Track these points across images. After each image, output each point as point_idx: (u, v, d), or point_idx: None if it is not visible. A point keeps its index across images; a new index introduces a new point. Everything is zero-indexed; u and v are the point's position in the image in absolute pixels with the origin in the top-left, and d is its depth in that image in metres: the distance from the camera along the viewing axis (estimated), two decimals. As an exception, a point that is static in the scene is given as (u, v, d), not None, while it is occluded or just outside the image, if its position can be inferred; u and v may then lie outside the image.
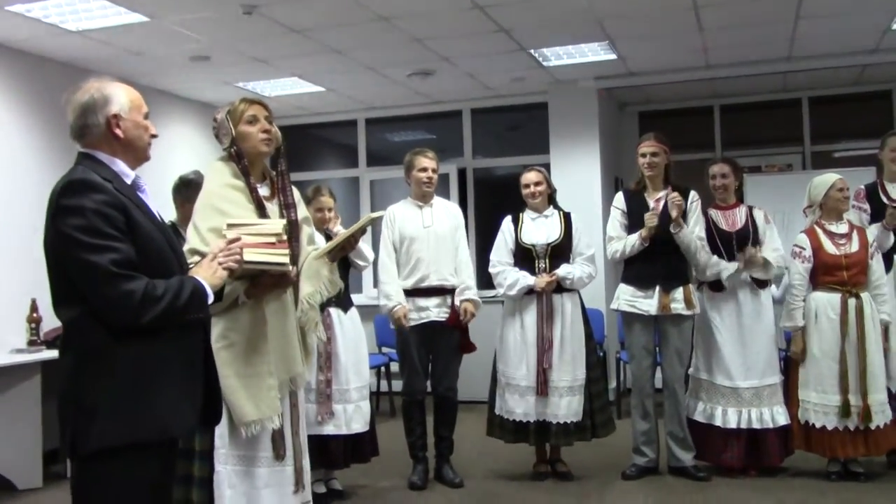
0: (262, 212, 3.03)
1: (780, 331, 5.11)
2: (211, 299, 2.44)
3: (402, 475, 5.08)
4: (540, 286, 4.85)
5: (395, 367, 6.20)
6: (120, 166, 2.41)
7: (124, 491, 2.29)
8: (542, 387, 4.84)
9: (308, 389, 4.31)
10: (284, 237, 2.82)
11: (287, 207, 3.14)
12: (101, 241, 2.21)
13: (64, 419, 2.27)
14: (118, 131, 2.40)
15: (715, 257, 4.89)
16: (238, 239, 2.61)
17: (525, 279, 4.89)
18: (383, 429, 6.74)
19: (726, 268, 4.86)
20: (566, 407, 4.84)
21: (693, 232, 4.87)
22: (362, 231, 3.25)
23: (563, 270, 4.89)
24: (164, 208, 4.38)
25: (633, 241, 4.89)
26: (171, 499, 2.51)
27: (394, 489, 4.97)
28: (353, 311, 4.81)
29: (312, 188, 4.85)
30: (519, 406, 4.90)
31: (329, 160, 9.43)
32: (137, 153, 2.48)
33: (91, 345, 2.25)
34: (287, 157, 3.25)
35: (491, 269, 5.06)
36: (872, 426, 4.59)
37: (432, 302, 4.95)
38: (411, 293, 4.97)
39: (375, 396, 7.61)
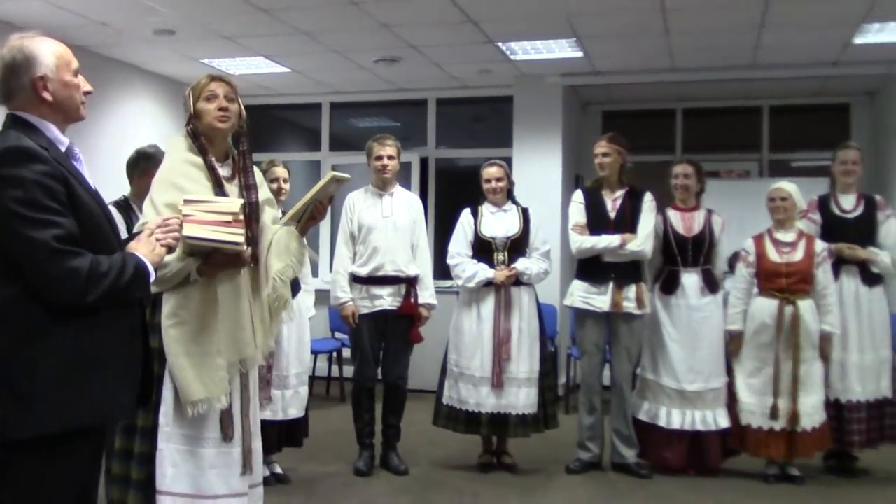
0: (220, 190, 2.98)
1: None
2: (152, 277, 2.36)
3: (348, 461, 5.09)
4: (499, 280, 4.88)
5: (346, 352, 6.20)
6: (53, 132, 2.28)
7: (54, 479, 2.19)
8: (498, 378, 4.87)
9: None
10: (241, 217, 2.79)
11: (248, 188, 3.09)
12: (43, 214, 2.10)
13: None
14: (46, 94, 2.25)
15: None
16: (178, 216, 2.58)
17: (484, 272, 4.91)
18: (332, 414, 6.79)
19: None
20: (525, 398, 4.89)
21: (644, 229, 4.92)
22: (328, 195, 3.13)
23: (521, 265, 4.92)
24: (123, 182, 4.37)
25: (614, 243, 4.90)
26: (97, 484, 2.46)
27: (338, 474, 4.98)
28: (299, 296, 4.59)
29: (267, 161, 4.81)
30: (472, 396, 4.93)
31: (291, 142, 9.36)
32: (69, 114, 2.33)
33: (27, 326, 2.13)
34: (250, 137, 3.20)
35: (449, 261, 5.08)
36: (799, 429, 4.70)
37: (386, 291, 4.95)
38: (366, 281, 4.98)
39: (326, 382, 7.65)
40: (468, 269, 4.96)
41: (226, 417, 2.98)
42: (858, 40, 6.27)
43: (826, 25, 5.98)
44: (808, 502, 4.54)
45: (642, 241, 4.90)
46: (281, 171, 4.80)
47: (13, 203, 2.09)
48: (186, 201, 2.74)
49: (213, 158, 3.04)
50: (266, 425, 4.31)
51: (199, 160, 3.02)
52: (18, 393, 2.11)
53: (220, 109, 3.03)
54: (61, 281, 2.12)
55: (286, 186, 4.81)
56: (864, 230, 4.94)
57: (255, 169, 3.22)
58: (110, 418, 2.35)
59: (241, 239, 2.79)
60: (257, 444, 3.15)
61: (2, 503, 2.17)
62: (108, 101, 6.98)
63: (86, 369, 2.19)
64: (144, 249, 2.37)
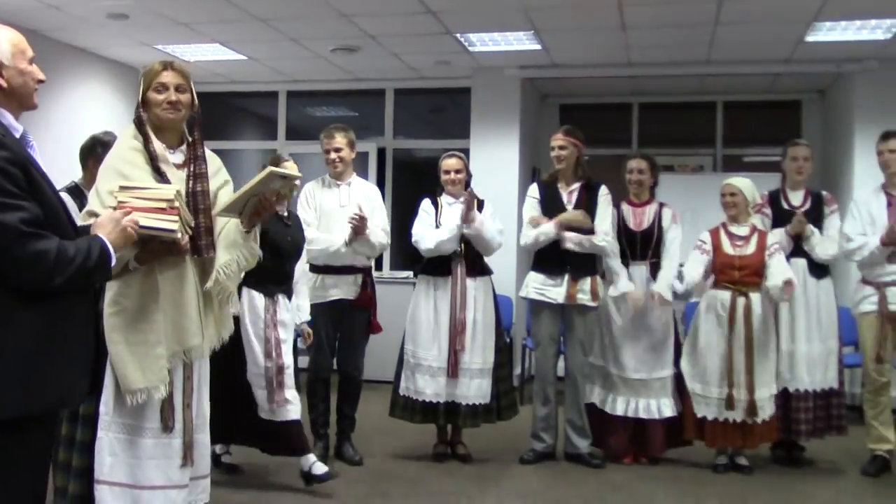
0: (160, 177, 2.96)
1: (681, 324, 5.27)
2: (114, 261, 2.36)
3: (303, 451, 5.07)
4: (472, 219, 4.85)
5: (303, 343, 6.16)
6: (8, 119, 2.28)
7: (12, 463, 2.18)
8: (453, 368, 4.89)
9: (256, 374, 4.28)
10: (176, 204, 2.75)
11: (196, 177, 3.06)
12: (9, 199, 2.09)
13: None
14: (1, 82, 2.26)
15: (616, 267, 5.02)
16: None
17: (451, 221, 4.90)
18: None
19: (619, 282, 5.00)
20: (476, 389, 4.92)
21: (603, 224, 4.96)
22: (273, 191, 3.11)
23: (478, 217, 4.91)
24: (74, 167, 4.30)
25: (549, 231, 4.95)
26: (48, 470, 2.43)
27: (293, 465, 4.94)
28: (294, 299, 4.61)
29: (272, 157, 4.74)
30: (429, 387, 4.94)
31: (247, 131, 9.28)
32: (23, 101, 2.34)
33: None
34: (201, 126, 3.16)
35: (415, 239, 5.04)
36: (759, 420, 4.79)
37: (342, 280, 4.94)
38: (322, 270, 4.96)
39: (281, 372, 7.59)
40: (435, 232, 4.95)
41: (167, 407, 2.95)
42: (810, 38, 6.39)
43: (779, 23, 6.08)
44: (756, 492, 4.62)
45: (604, 234, 4.94)
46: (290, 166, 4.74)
47: None
48: (122, 188, 2.74)
49: (158, 146, 3.00)
50: (292, 425, 4.34)
51: (143, 147, 2.99)
52: None
53: (169, 103, 3.00)
54: (29, 264, 2.12)
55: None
56: (811, 224, 5.03)
57: (213, 157, 3.19)
58: (70, 402, 2.34)
59: (176, 226, 2.75)
60: (202, 437, 3.13)
61: None
62: (60, 86, 6.85)
63: (48, 353, 2.19)
64: (110, 232, 2.38)
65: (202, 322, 3.03)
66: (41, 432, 2.27)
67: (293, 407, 4.34)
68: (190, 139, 3.12)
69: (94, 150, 4.23)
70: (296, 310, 4.60)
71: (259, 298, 4.31)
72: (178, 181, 2.96)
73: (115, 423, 2.90)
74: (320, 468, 4.38)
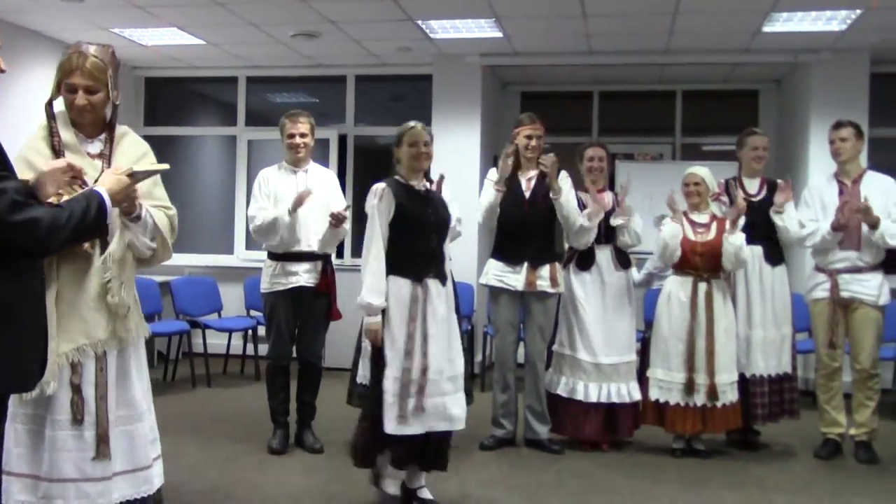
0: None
1: (641, 312, 5.32)
2: (111, 216, 2.46)
3: (262, 440, 5.05)
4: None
5: (262, 330, 6.14)
6: None
7: None
8: (411, 356, 4.88)
9: (393, 379, 3.74)
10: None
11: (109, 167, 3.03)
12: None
13: None
14: None
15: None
16: None
17: None
18: (247, 392, 6.72)
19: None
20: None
21: (573, 204, 5.00)
22: (140, 177, 2.88)
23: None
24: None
25: (490, 196, 5.01)
26: None
27: (253, 453, 4.93)
28: (450, 285, 4.02)
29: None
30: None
31: (206, 116, 9.16)
32: None
33: None
34: (111, 126, 3.10)
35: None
36: (719, 404, 4.86)
37: (302, 267, 4.92)
38: (281, 258, 4.92)
39: (241, 360, 7.56)
40: None
41: (76, 400, 2.91)
42: (767, 29, 6.46)
43: (736, 14, 6.14)
44: (712, 475, 4.70)
45: (578, 214, 4.99)
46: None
47: None
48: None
49: (67, 137, 2.98)
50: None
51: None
52: None
53: (78, 106, 2.96)
54: (24, 230, 2.16)
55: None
56: (766, 213, 5.11)
57: (139, 143, 3.17)
58: (22, 387, 2.34)
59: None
60: (134, 428, 3.09)
61: None
62: (14, 70, 6.69)
63: (10, 332, 2.19)
64: (111, 181, 2.51)
65: (109, 314, 2.99)
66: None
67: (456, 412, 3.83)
68: (109, 127, 3.08)
69: None
70: None
71: (405, 285, 3.80)
72: (93, 170, 2.91)
73: (19, 415, 2.87)
74: (427, 494, 4.06)
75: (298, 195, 4.77)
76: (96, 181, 2.65)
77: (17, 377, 2.25)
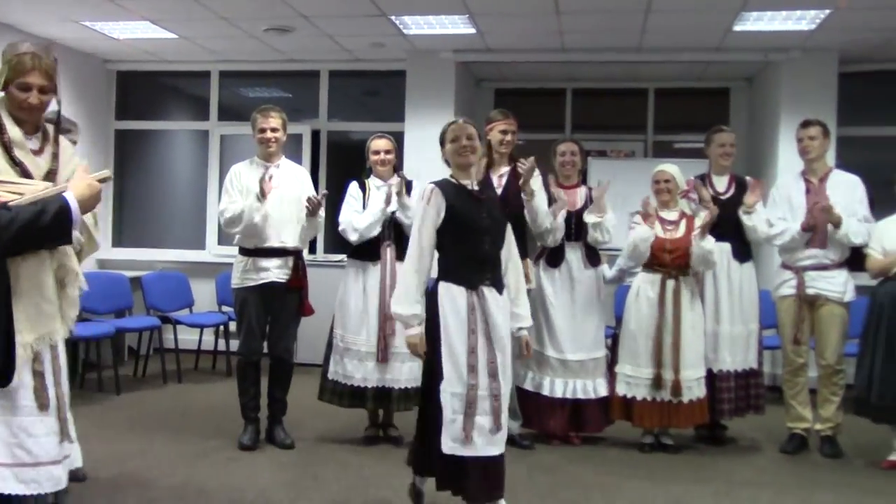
0: (17, 166, 2.91)
1: (612, 308, 5.35)
2: (76, 220, 2.40)
3: (233, 435, 5.04)
4: (404, 204, 4.87)
5: (234, 326, 6.12)
6: None
7: None
8: (383, 353, 4.90)
9: (452, 394, 3.46)
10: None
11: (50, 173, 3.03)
12: None
13: None
14: None
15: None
16: None
17: (375, 206, 4.91)
18: (218, 388, 6.70)
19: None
20: (408, 372, 4.93)
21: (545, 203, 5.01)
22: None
23: (411, 202, 4.91)
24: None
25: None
26: None
27: (223, 449, 4.92)
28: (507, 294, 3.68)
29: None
30: (358, 371, 4.95)
31: (178, 111, 9.10)
32: None
33: None
34: (58, 123, 3.10)
35: (342, 227, 5.03)
36: (685, 400, 4.91)
37: (273, 263, 4.90)
38: (252, 253, 4.91)
39: (212, 356, 7.54)
40: (363, 214, 4.95)
41: (40, 386, 2.93)
42: (738, 28, 6.52)
43: (708, 12, 6.19)
44: (680, 469, 4.75)
45: (547, 216, 4.99)
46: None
47: None
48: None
49: (15, 134, 2.94)
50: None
51: None
52: None
53: (30, 104, 2.94)
54: None
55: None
56: (734, 210, 5.16)
57: (67, 146, 3.15)
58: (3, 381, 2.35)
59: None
60: (68, 414, 3.13)
61: None
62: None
63: None
64: (82, 188, 2.49)
65: (61, 305, 3.02)
66: None
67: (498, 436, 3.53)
68: (47, 127, 3.08)
69: None
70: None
71: (460, 294, 3.51)
72: (35, 167, 2.92)
73: None
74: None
75: (261, 184, 4.77)
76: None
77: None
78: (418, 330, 3.52)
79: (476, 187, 3.64)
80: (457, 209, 3.54)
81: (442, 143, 3.71)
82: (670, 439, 5.12)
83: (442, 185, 3.62)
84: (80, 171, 2.64)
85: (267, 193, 4.80)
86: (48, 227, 2.28)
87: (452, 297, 3.49)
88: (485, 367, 3.46)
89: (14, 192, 2.66)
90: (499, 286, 3.58)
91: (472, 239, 3.55)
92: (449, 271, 3.55)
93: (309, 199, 4.84)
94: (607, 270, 5.49)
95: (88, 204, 2.44)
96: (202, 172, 8.54)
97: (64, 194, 2.36)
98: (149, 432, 5.24)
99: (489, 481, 3.50)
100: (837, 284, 4.97)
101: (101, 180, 2.88)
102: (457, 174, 3.65)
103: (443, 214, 3.54)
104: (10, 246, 2.20)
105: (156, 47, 7.73)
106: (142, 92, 8.72)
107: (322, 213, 5.01)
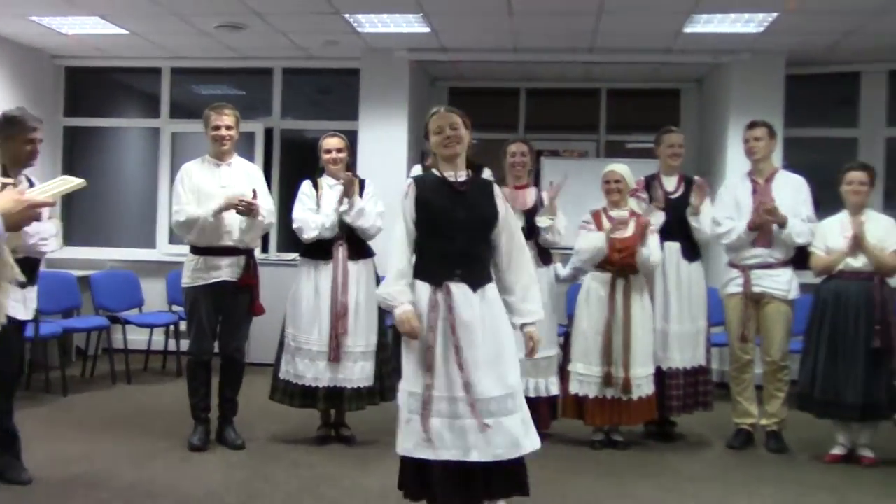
0: None
1: (564, 307, 5.39)
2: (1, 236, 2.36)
3: (183, 437, 4.98)
4: (352, 204, 4.86)
5: (184, 326, 6.06)
6: None
7: None
8: (335, 352, 4.89)
9: (408, 394, 3.37)
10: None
11: None
12: None
13: None
14: None
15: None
16: None
17: (330, 208, 4.90)
18: (168, 388, 6.63)
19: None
20: (360, 372, 4.93)
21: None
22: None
23: (360, 203, 4.92)
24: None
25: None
26: None
27: (173, 450, 4.87)
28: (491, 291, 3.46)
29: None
30: (309, 371, 4.93)
31: (129, 108, 8.98)
32: None
33: None
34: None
35: (296, 226, 5.01)
36: (635, 397, 4.96)
37: (224, 262, 4.86)
38: (204, 252, 4.87)
39: (162, 356, 7.45)
40: (316, 216, 4.94)
41: None
42: (688, 30, 6.62)
43: (659, 14, 6.28)
44: (629, 466, 4.81)
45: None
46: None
47: None
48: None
49: None
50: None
51: None
52: None
53: None
54: None
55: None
56: (683, 210, 5.24)
57: None
58: None
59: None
60: None
61: None
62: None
63: None
64: (6, 202, 2.41)
65: None
66: None
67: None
68: None
69: (3, 129, 4.09)
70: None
71: (423, 290, 3.37)
72: None
73: None
74: None
75: (227, 201, 4.74)
76: None
77: None
78: (405, 307, 3.32)
79: (461, 179, 3.43)
80: (428, 203, 3.39)
81: (426, 134, 3.54)
82: (620, 436, 5.18)
83: (420, 178, 3.54)
84: (7, 192, 2.56)
85: (225, 210, 4.77)
86: None
87: (419, 294, 3.36)
88: (442, 366, 3.29)
89: None
90: (476, 282, 3.35)
91: (443, 233, 3.37)
92: (419, 268, 3.41)
93: (240, 202, 4.77)
94: (561, 269, 5.54)
95: (13, 220, 2.38)
96: (153, 170, 8.44)
97: None
98: (97, 434, 5.17)
99: (460, 489, 3.29)
100: (782, 283, 5.07)
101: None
102: (442, 166, 3.47)
103: (415, 208, 3.40)
104: None
105: (106, 43, 7.61)
106: (92, 88, 8.57)
107: (268, 212, 4.96)
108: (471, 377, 3.27)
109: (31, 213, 2.52)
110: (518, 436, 3.32)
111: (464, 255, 3.36)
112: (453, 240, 3.35)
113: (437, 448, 3.27)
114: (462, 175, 3.45)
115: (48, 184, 2.96)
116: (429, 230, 3.39)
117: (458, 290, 3.32)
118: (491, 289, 3.40)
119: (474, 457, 3.25)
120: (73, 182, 2.98)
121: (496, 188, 3.52)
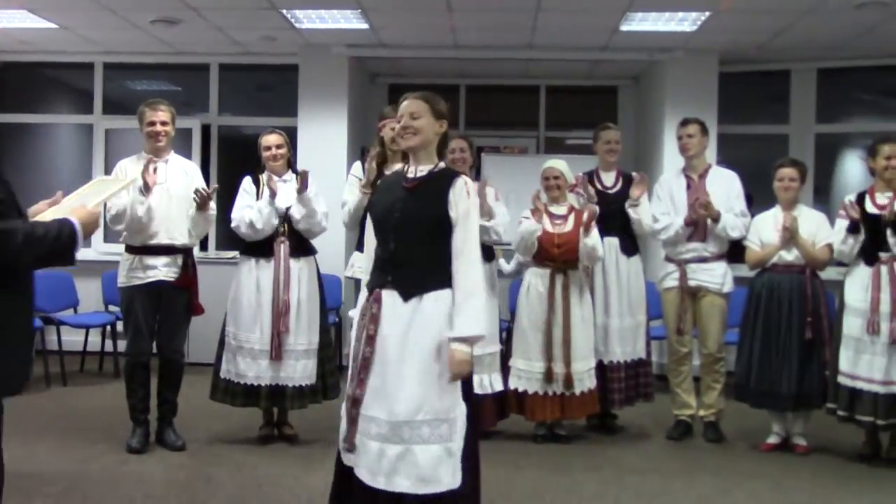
0: None
1: (507, 302, 5.42)
2: (80, 246, 2.46)
3: (121, 439, 4.89)
4: (306, 200, 4.83)
5: (121, 326, 5.94)
6: None
7: None
8: (277, 351, 4.85)
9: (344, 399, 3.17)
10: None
11: None
12: None
13: None
14: None
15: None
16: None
17: (269, 195, 4.86)
18: (105, 390, 6.50)
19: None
20: (302, 370, 4.90)
21: None
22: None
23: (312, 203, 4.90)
24: None
25: (356, 199, 4.87)
26: None
27: (111, 453, 4.78)
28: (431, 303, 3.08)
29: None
30: (251, 369, 4.88)
31: (60, 104, 8.76)
32: None
33: None
34: None
35: (235, 224, 4.96)
36: (577, 392, 5.02)
37: (161, 261, 4.78)
38: (139, 251, 4.78)
39: (99, 357, 7.30)
40: (253, 210, 4.89)
41: None
42: (624, 28, 6.71)
43: (595, 12, 6.35)
44: (572, 459, 4.87)
45: None
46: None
47: None
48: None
49: None
50: None
51: None
52: None
53: None
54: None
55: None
56: (621, 205, 5.32)
57: None
58: (10, 390, 2.44)
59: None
60: None
61: None
62: None
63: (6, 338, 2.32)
64: (81, 214, 2.52)
65: None
66: None
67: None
68: None
69: None
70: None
71: (363, 297, 3.16)
72: None
73: None
74: None
75: (143, 175, 4.65)
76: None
77: (6, 380, 2.38)
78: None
79: (420, 175, 3.09)
80: (373, 203, 3.20)
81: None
82: (563, 430, 5.24)
83: (388, 175, 3.34)
84: (79, 206, 2.66)
85: (151, 185, 4.67)
86: (63, 248, 2.40)
87: (359, 300, 3.18)
88: (355, 376, 3.06)
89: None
90: (409, 291, 3.00)
91: (379, 236, 3.13)
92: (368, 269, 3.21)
93: (197, 191, 4.73)
94: (504, 264, 5.57)
95: (87, 231, 2.53)
96: (86, 167, 8.24)
97: (70, 219, 2.46)
98: (31, 437, 5.03)
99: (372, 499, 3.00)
100: (717, 276, 5.19)
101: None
102: (405, 161, 3.21)
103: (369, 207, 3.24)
104: (38, 262, 2.37)
105: (34, 37, 7.40)
106: (22, 84, 8.33)
107: (213, 207, 4.91)
108: (364, 392, 3.00)
109: (98, 222, 2.68)
110: (427, 470, 2.93)
111: (396, 260, 3.04)
112: (387, 243, 3.07)
113: (350, 456, 3.07)
114: (424, 170, 3.10)
115: (86, 187, 3.06)
116: (375, 231, 3.17)
117: (389, 298, 3.01)
118: (431, 299, 2.99)
119: (381, 483, 2.95)
120: (120, 183, 3.03)
121: (459, 183, 3.04)
